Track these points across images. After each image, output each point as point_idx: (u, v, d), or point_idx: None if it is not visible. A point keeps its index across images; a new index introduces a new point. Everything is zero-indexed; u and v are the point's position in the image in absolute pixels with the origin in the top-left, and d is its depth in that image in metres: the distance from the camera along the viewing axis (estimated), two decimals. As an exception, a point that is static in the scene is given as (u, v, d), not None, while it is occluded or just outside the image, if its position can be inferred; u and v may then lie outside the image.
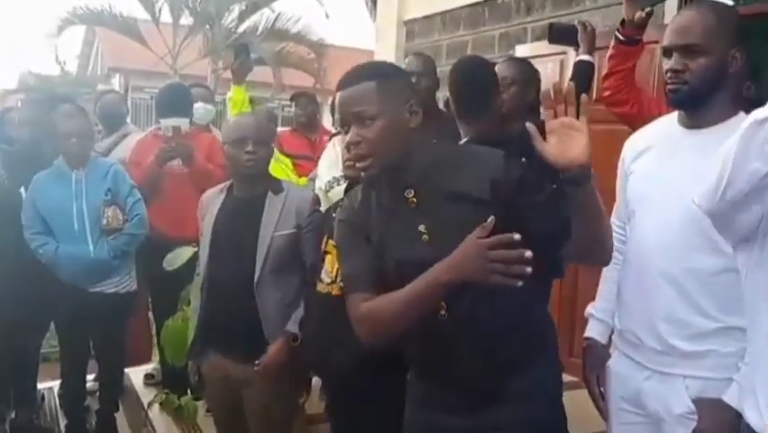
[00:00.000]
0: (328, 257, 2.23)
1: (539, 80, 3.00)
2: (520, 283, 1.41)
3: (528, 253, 1.39)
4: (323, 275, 2.23)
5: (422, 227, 1.61)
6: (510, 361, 1.65)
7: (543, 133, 1.41)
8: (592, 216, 1.48)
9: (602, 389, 2.00)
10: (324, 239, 2.29)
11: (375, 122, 1.57)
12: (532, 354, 1.68)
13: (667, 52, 1.78)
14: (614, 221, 2.00)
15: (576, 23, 3.11)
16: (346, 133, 1.63)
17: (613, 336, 1.99)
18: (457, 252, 1.48)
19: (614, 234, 1.92)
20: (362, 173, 1.63)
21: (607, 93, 2.62)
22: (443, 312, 1.62)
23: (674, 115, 1.87)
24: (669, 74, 1.76)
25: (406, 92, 1.62)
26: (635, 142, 1.97)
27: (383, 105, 1.57)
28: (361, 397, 2.14)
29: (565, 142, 1.39)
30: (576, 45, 3.08)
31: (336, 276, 2.18)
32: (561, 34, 3.25)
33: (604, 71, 2.62)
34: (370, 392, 2.12)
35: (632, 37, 2.50)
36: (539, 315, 1.76)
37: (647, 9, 2.43)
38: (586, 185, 1.42)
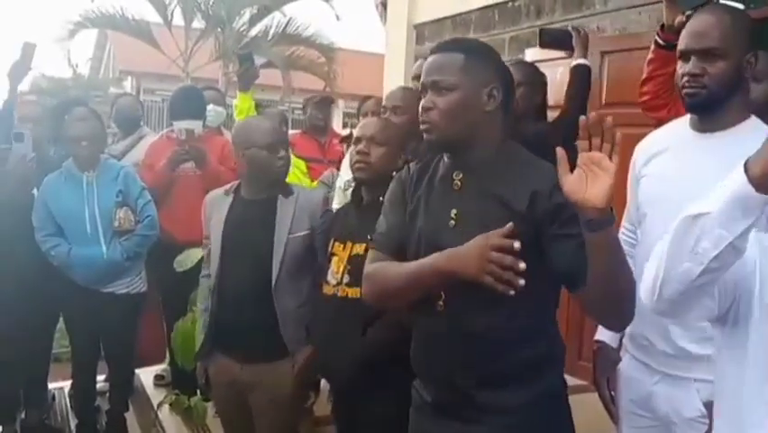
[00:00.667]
0: (334, 258, 2.24)
1: (545, 84, 3.01)
2: (512, 292, 1.40)
3: (522, 266, 1.38)
4: (329, 277, 2.24)
5: (453, 212, 1.62)
6: (503, 372, 1.61)
7: (572, 159, 1.34)
8: (607, 271, 1.39)
9: (612, 392, 1.99)
10: (331, 241, 2.30)
11: (451, 93, 1.58)
12: (527, 370, 1.62)
13: (684, 56, 1.77)
14: (624, 225, 2.00)
15: (570, 28, 3.10)
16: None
17: (623, 340, 1.98)
18: (465, 245, 1.49)
19: (625, 238, 1.93)
20: (427, 137, 1.63)
21: (645, 98, 2.58)
22: (440, 303, 1.62)
23: (686, 118, 1.87)
24: (686, 78, 1.75)
25: (490, 75, 1.61)
26: (647, 145, 1.96)
27: (463, 79, 1.58)
28: (366, 399, 2.15)
29: (589, 178, 1.31)
30: (568, 50, 3.07)
31: (342, 278, 2.19)
32: (552, 39, 3.23)
33: (643, 76, 2.59)
34: (374, 395, 2.12)
35: (672, 42, 2.44)
36: (538, 336, 1.65)
37: (688, 13, 2.36)
38: (599, 232, 1.34)
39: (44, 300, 3.39)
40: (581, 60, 3.03)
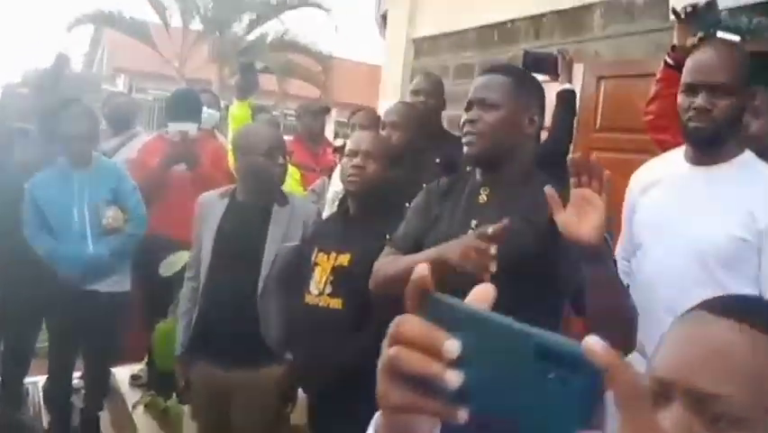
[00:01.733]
0: (317, 268, 2.24)
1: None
2: (488, 273, 1.43)
3: (493, 250, 1.44)
4: (311, 286, 2.23)
5: (474, 223, 1.68)
6: None
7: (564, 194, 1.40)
8: (607, 304, 1.42)
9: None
10: (315, 251, 2.29)
11: (495, 110, 1.68)
12: None
13: (691, 89, 1.78)
14: (619, 252, 1.99)
15: (555, 52, 3.11)
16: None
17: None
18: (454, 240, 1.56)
19: (619, 268, 1.93)
20: (469, 150, 1.71)
21: (650, 117, 2.57)
22: None
23: (681, 150, 1.87)
24: (693, 112, 1.76)
25: (532, 102, 1.73)
26: (643, 176, 1.97)
27: (508, 100, 1.68)
28: (341, 410, 2.13)
29: (581, 215, 1.36)
30: (551, 74, 3.07)
31: (324, 288, 2.19)
32: (536, 62, 3.23)
33: (650, 95, 2.60)
34: (350, 406, 2.10)
35: (682, 62, 2.48)
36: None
37: (699, 34, 2.39)
38: (597, 266, 1.38)
39: (29, 296, 3.36)
40: (567, 86, 3.04)
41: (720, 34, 3.66)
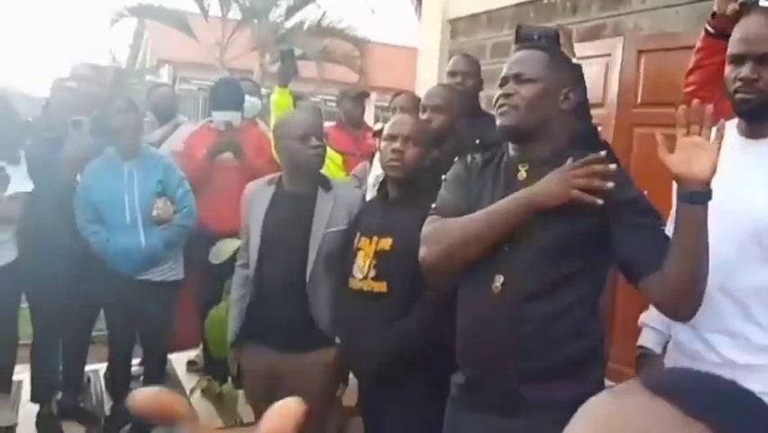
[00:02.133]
0: (360, 253, 2.27)
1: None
2: (600, 201, 1.51)
3: (612, 166, 1.53)
4: (355, 271, 2.27)
5: None
6: (552, 364, 1.64)
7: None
8: (696, 247, 1.49)
9: None
10: (357, 236, 2.33)
11: (533, 84, 1.69)
12: (574, 365, 1.66)
13: (738, 60, 1.74)
14: (669, 228, 1.98)
15: (556, 27, 3.02)
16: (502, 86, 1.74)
17: (669, 346, 1.94)
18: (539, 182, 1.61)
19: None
20: (503, 121, 1.72)
21: (690, 88, 2.49)
22: (497, 285, 1.65)
23: (732, 123, 1.85)
24: (740, 83, 1.73)
25: (568, 80, 1.73)
26: None
27: (544, 75, 1.70)
28: (393, 392, 2.18)
29: (693, 157, 1.45)
30: (549, 49, 2.99)
31: (368, 272, 2.22)
32: (530, 37, 3.15)
33: (690, 65, 2.56)
34: (401, 388, 2.16)
35: (723, 30, 2.40)
36: (590, 330, 1.70)
37: (741, 1, 2.28)
38: (700, 204, 1.47)
39: (86, 286, 3.44)
40: (575, 62, 2.96)
41: (763, 2, 3.57)
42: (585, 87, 1.83)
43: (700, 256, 1.49)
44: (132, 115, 3.40)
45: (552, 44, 1.84)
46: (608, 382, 1.92)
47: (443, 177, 1.90)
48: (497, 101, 1.73)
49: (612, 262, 1.67)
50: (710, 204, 1.77)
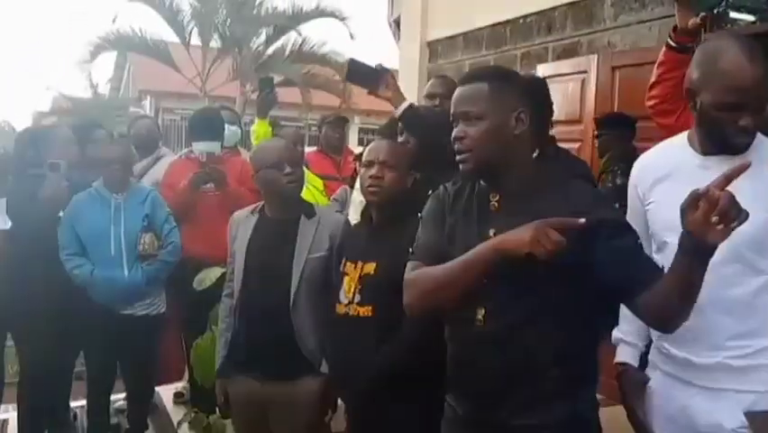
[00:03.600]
0: (346, 278, 2.27)
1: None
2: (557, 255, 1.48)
3: (561, 239, 1.48)
4: (341, 296, 2.27)
5: (492, 231, 1.65)
6: (537, 390, 1.63)
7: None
8: (695, 283, 1.46)
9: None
10: (343, 261, 2.34)
11: (480, 122, 1.64)
12: (560, 391, 1.64)
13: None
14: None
15: (379, 65, 3.04)
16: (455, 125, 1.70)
17: (651, 357, 1.94)
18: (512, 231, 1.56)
19: None
20: (462, 167, 1.69)
21: (653, 102, 2.52)
22: (480, 318, 1.65)
23: (682, 140, 1.86)
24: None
25: (515, 99, 1.66)
26: (651, 167, 1.92)
27: (490, 107, 1.64)
28: (381, 417, 2.17)
29: (716, 223, 1.36)
30: (373, 86, 3.03)
31: (353, 297, 2.22)
32: (358, 73, 3.00)
33: (652, 79, 2.59)
34: (389, 412, 2.14)
35: (684, 44, 2.41)
36: (574, 358, 1.66)
37: (701, 15, 2.37)
38: (703, 260, 1.41)
39: (66, 322, 3.42)
40: (405, 104, 2.95)
41: (733, 14, 3.63)
42: (539, 99, 1.77)
43: (688, 300, 1.48)
44: (122, 147, 3.40)
45: (486, 74, 1.74)
46: (599, 396, 1.92)
47: (419, 214, 1.89)
48: (453, 143, 1.69)
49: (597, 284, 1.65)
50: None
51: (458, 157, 1.68)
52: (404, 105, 2.71)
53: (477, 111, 1.64)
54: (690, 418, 1.80)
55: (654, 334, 1.90)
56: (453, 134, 1.68)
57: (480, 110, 1.64)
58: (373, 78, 2.89)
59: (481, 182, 1.74)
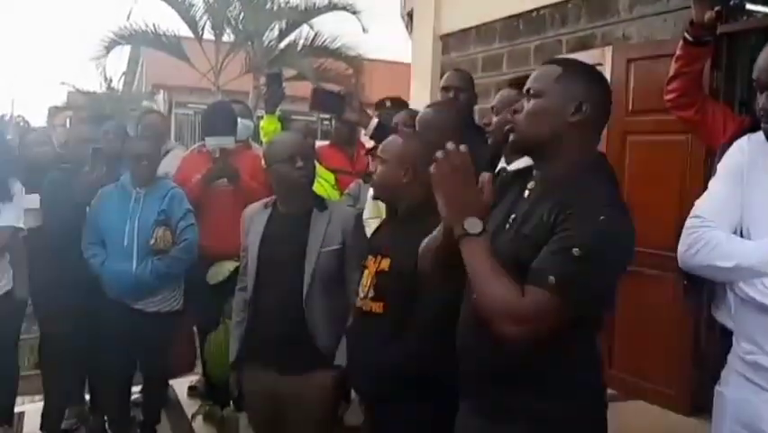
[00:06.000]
0: (365, 272, 2.26)
1: None
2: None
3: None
4: (359, 289, 2.27)
5: (513, 217, 1.67)
6: (525, 375, 1.61)
7: None
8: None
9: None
10: (367, 254, 2.33)
11: (538, 99, 1.64)
12: (551, 380, 1.61)
13: (759, 89, 1.74)
14: (709, 213, 1.86)
15: (342, 91, 3.03)
16: None
17: (729, 358, 1.89)
18: None
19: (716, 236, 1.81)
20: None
21: (671, 95, 2.52)
22: (475, 295, 1.63)
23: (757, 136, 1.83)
24: (761, 113, 1.75)
25: (582, 91, 1.64)
26: (747, 150, 1.86)
27: (552, 88, 1.64)
28: (398, 412, 2.15)
29: None
30: (339, 111, 2.99)
31: (368, 291, 2.21)
32: (322, 100, 3.12)
33: (669, 73, 2.57)
34: (406, 407, 2.13)
35: (700, 38, 2.40)
36: (565, 355, 1.61)
37: (717, 8, 2.35)
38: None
39: (92, 315, 3.46)
40: (374, 122, 2.96)
41: (749, 6, 3.59)
42: (607, 108, 1.73)
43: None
44: (151, 143, 3.45)
45: (566, 61, 1.75)
46: (610, 390, 1.89)
47: None
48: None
49: None
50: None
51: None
52: (373, 124, 2.80)
53: (538, 87, 1.65)
54: (759, 424, 1.75)
55: (735, 335, 1.86)
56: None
57: (542, 87, 1.65)
58: (338, 104, 2.92)
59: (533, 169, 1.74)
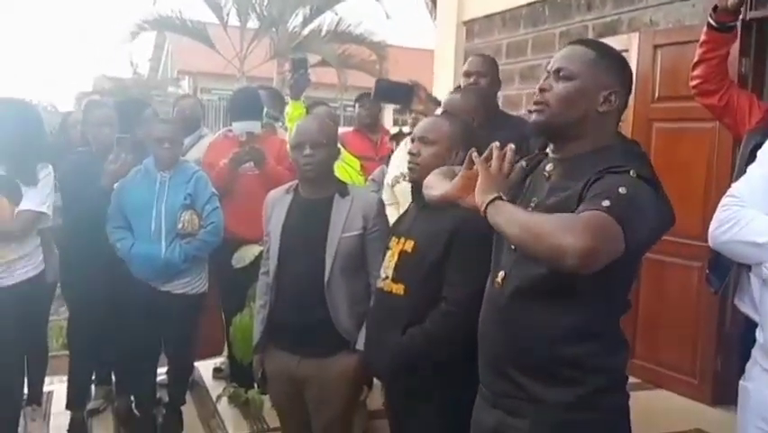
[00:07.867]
0: (389, 252, 2.26)
1: None
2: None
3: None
4: (382, 270, 2.27)
5: (534, 200, 1.65)
6: (542, 365, 1.60)
7: None
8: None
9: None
10: (390, 237, 2.33)
11: (569, 81, 1.61)
12: (568, 370, 1.60)
13: None
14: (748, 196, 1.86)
15: (409, 81, 2.99)
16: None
17: (753, 351, 1.90)
18: None
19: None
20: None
21: (696, 81, 2.50)
22: (498, 280, 1.65)
23: None
24: None
25: (613, 80, 1.62)
26: None
27: (585, 72, 1.60)
28: (414, 396, 2.16)
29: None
30: (402, 103, 2.94)
31: (390, 272, 2.20)
32: (386, 91, 3.08)
33: (694, 59, 2.53)
34: (420, 393, 2.14)
35: (725, 23, 2.39)
36: (586, 339, 1.60)
37: None
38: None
39: (120, 295, 3.48)
40: (439, 111, 2.91)
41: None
42: (629, 94, 1.68)
43: None
44: (173, 126, 3.48)
45: (598, 45, 1.70)
46: (632, 379, 1.88)
47: None
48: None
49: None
50: None
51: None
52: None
53: (571, 70, 1.61)
54: None
55: (759, 331, 1.85)
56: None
57: (575, 70, 1.60)
58: (404, 94, 2.90)
59: (550, 153, 1.70)
